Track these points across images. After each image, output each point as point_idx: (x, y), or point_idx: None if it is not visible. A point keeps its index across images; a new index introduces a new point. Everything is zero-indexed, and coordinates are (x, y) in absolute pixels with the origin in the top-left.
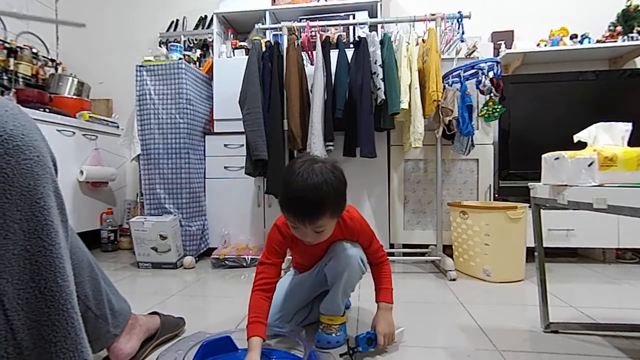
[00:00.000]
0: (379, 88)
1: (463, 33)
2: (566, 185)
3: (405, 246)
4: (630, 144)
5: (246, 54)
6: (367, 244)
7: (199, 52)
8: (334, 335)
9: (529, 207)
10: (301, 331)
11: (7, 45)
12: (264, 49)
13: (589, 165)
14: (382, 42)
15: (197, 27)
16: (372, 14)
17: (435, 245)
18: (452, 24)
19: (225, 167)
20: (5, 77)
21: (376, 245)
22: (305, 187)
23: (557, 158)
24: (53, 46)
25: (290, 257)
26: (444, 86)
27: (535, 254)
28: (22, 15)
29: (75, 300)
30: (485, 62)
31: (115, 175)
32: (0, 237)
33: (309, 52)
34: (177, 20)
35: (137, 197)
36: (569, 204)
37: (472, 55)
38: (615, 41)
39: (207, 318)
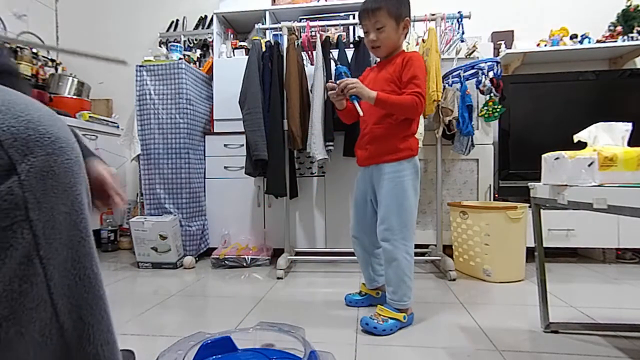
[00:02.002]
0: None
1: (463, 33)
2: (566, 185)
3: None
4: (630, 144)
5: (246, 54)
6: (407, 78)
7: (199, 52)
8: (376, 321)
9: (529, 207)
10: (301, 330)
11: (7, 45)
12: (264, 49)
13: (589, 165)
14: None
15: (197, 27)
16: None
17: (435, 245)
18: (452, 24)
19: (225, 167)
20: None
21: (414, 85)
22: None
23: (557, 158)
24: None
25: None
26: (444, 86)
27: (535, 254)
28: (64, 49)
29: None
30: (485, 62)
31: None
32: (49, 226)
33: (309, 52)
34: (177, 20)
35: (137, 197)
36: (569, 204)
37: (472, 55)
38: (615, 41)
39: (207, 318)
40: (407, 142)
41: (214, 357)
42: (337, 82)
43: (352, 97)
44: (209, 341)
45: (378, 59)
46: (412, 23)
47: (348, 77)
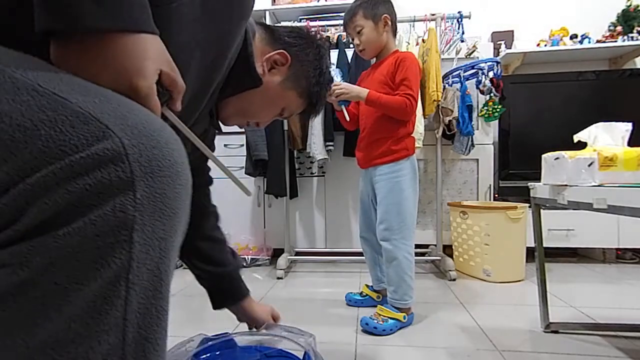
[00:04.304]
0: None
1: (463, 33)
2: (566, 185)
3: None
4: (630, 144)
5: None
6: (399, 79)
7: None
8: (376, 321)
9: (529, 207)
10: (309, 336)
11: None
12: None
13: (589, 165)
14: None
15: None
16: None
17: (435, 245)
18: (452, 24)
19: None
20: None
21: (405, 86)
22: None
23: (557, 158)
24: None
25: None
26: (444, 86)
27: (535, 254)
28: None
29: None
30: (485, 62)
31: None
32: (144, 250)
33: None
34: None
35: None
36: (569, 204)
37: (472, 55)
38: (615, 41)
39: (207, 318)
40: (403, 142)
41: (209, 354)
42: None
43: (340, 102)
44: (211, 343)
45: (374, 60)
46: (412, 23)
47: (337, 77)
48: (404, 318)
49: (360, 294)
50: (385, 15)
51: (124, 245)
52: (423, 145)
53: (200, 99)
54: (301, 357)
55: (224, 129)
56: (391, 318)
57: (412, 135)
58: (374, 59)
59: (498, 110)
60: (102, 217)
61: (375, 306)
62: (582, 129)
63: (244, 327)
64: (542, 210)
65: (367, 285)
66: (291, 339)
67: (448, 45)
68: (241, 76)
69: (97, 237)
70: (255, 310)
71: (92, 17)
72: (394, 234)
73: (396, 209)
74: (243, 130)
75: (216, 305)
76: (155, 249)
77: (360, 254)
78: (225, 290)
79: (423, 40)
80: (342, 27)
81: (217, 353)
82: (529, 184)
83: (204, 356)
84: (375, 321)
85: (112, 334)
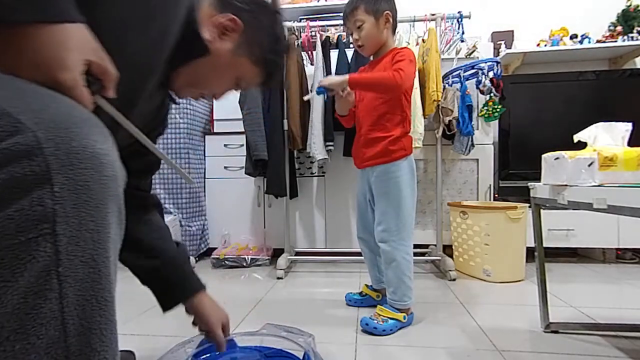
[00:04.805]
0: None
1: (463, 33)
2: (566, 185)
3: None
4: (630, 144)
5: None
6: (393, 64)
7: None
8: (376, 321)
9: (529, 207)
10: (308, 336)
11: None
12: None
13: (589, 165)
14: None
15: None
16: None
17: (435, 245)
18: (452, 24)
19: (225, 167)
20: None
21: (399, 66)
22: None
23: (557, 158)
24: None
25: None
26: (444, 86)
27: (535, 254)
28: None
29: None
30: (485, 62)
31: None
32: (73, 242)
33: (309, 52)
34: None
35: None
36: (569, 204)
37: (472, 55)
38: (615, 41)
39: None
40: (401, 142)
41: (209, 354)
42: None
43: (318, 90)
44: (211, 344)
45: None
46: (412, 23)
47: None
48: (404, 318)
49: (360, 293)
50: (387, 11)
51: (47, 238)
52: (423, 145)
53: (145, 75)
54: (301, 357)
55: (224, 128)
56: (391, 318)
57: (410, 134)
58: (372, 57)
59: (498, 110)
60: (20, 211)
61: (375, 306)
62: (582, 129)
63: (244, 326)
64: (542, 210)
65: (367, 285)
66: (291, 339)
67: (448, 45)
68: (187, 45)
69: (18, 233)
70: (207, 312)
71: (10, 10)
72: (392, 236)
73: (394, 210)
74: (243, 130)
75: (165, 304)
76: (87, 240)
77: (360, 253)
78: (169, 284)
79: (423, 40)
80: (342, 27)
81: (217, 354)
82: (529, 184)
83: (203, 357)
84: (375, 321)
85: (51, 328)
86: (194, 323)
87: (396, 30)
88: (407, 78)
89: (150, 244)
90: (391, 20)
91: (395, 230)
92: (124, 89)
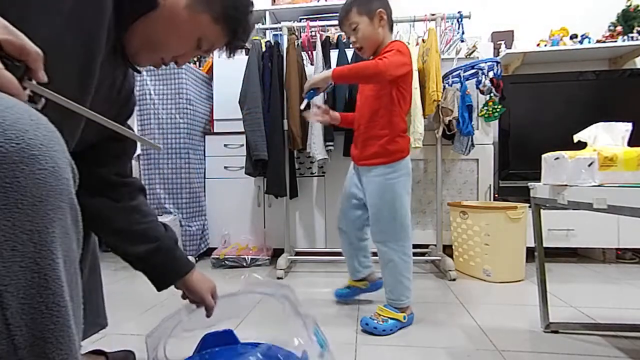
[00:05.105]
0: None
1: (463, 33)
2: (566, 185)
3: None
4: (630, 144)
5: (246, 54)
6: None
7: None
8: (376, 321)
9: (529, 207)
10: (289, 289)
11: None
12: (264, 49)
13: (589, 165)
14: None
15: None
16: None
17: (435, 245)
18: (452, 24)
19: (225, 167)
20: None
21: (385, 55)
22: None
23: (557, 158)
24: None
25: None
26: (444, 86)
27: (535, 254)
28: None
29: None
30: (485, 62)
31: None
32: (8, 247)
33: (309, 52)
34: None
35: None
36: (569, 204)
37: (472, 55)
38: (615, 41)
39: (206, 319)
40: (398, 143)
41: (209, 350)
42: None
43: (307, 95)
44: (211, 333)
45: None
46: (412, 23)
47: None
48: (404, 318)
49: (347, 286)
50: (380, 10)
51: None
52: (423, 145)
53: (91, 43)
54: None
55: (224, 128)
56: (391, 318)
57: (408, 134)
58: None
59: (498, 110)
60: None
61: (364, 293)
62: (582, 129)
63: (244, 326)
64: (542, 210)
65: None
66: (269, 294)
67: (448, 45)
68: (132, 0)
69: None
70: (198, 286)
71: None
72: (389, 237)
73: (390, 211)
74: (243, 130)
75: (159, 285)
76: (25, 243)
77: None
78: (163, 267)
79: (423, 40)
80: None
81: (217, 350)
82: (529, 184)
83: (205, 351)
84: (375, 321)
85: None
86: (183, 296)
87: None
88: (391, 65)
89: (140, 231)
90: (385, 17)
91: (392, 232)
92: (65, 68)
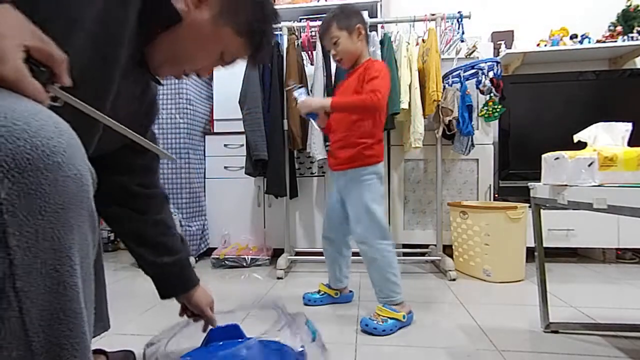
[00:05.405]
0: None
1: (463, 33)
2: (566, 185)
3: (405, 246)
4: (630, 144)
5: None
6: (366, 81)
7: None
8: (376, 322)
9: (529, 207)
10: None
11: None
12: None
13: (589, 165)
14: (382, 42)
15: None
16: (372, 14)
17: (435, 245)
18: (452, 24)
19: (225, 167)
20: None
21: (370, 84)
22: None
23: (557, 158)
24: None
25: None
26: (444, 86)
27: (535, 254)
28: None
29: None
30: (485, 62)
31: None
32: (30, 254)
33: (309, 52)
34: None
35: None
36: (569, 204)
37: (472, 55)
38: (615, 41)
39: None
40: (374, 149)
41: (213, 343)
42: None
43: (308, 115)
44: (217, 327)
45: None
46: (412, 23)
47: (302, 96)
48: (404, 317)
49: (318, 292)
50: (359, 25)
51: None
52: (423, 145)
53: (111, 55)
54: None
55: (224, 128)
56: (391, 318)
57: (382, 142)
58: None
59: (498, 110)
60: None
61: (334, 303)
62: (582, 129)
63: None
64: (542, 210)
65: (324, 284)
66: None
67: (448, 45)
68: (155, 14)
69: None
70: (200, 300)
71: None
72: (369, 235)
73: (366, 212)
74: (243, 130)
75: (165, 295)
76: (46, 250)
77: (359, 253)
78: (175, 279)
79: (423, 40)
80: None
81: (221, 344)
82: (529, 184)
83: (212, 344)
84: (375, 322)
85: (15, 350)
86: (181, 313)
87: (395, 31)
88: (383, 97)
89: (160, 243)
90: (363, 32)
91: (370, 230)
92: (84, 78)
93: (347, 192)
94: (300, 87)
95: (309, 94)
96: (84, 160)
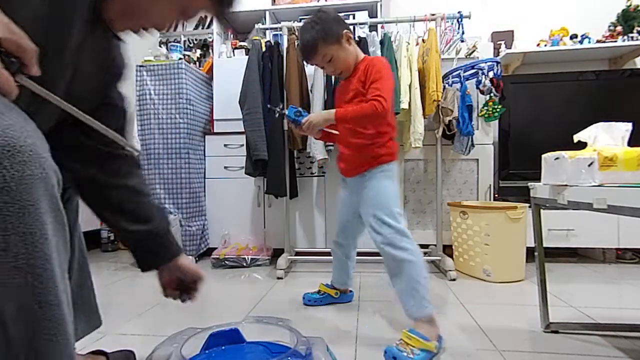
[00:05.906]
0: None
1: (463, 33)
2: (566, 185)
3: None
4: (630, 144)
5: (246, 54)
6: (369, 83)
7: (199, 52)
8: (405, 354)
9: (529, 207)
10: (289, 321)
11: None
12: (264, 49)
13: (589, 165)
14: (382, 42)
15: (197, 27)
16: (372, 14)
17: (435, 245)
18: (452, 24)
19: (225, 167)
20: None
21: (374, 89)
22: (301, 38)
23: (557, 158)
24: None
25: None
26: (444, 86)
27: (535, 254)
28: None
29: (70, 314)
30: (485, 62)
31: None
32: (0, 249)
33: None
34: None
35: None
36: (569, 204)
37: (472, 55)
38: (615, 41)
39: (207, 318)
40: (386, 147)
41: (215, 347)
42: (297, 127)
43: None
44: (217, 332)
45: None
46: (412, 23)
47: (300, 112)
48: (435, 347)
49: (318, 292)
50: (345, 31)
51: None
52: (423, 145)
53: (64, 11)
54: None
55: (224, 128)
56: (422, 349)
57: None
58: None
59: (498, 110)
60: None
61: (334, 303)
62: (582, 129)
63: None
64: (542, 210)
65: (324, 284)
66: (280, 325)
67: (448, 45)
68: None
69: None
70: (188, 264)
71: None
72: (391, 237)
73: (386, 213)
74: (243, 130)
75: (145, 267)
76: (18, 245)
77: (359, 254)
78: (153, 248)
79: (423, 40)
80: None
81: (223, 348)
82: (529, 184)
83: (207, 351)
84: (405, 353)
85: None
86: (165, 294)
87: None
88: (388, 102)
89: (136, 211)
90: (350, 34)
91: (390, 230)
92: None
93: (362, 195)
94: (279, 108)
95: (299, 110)
96: (50, 160)
